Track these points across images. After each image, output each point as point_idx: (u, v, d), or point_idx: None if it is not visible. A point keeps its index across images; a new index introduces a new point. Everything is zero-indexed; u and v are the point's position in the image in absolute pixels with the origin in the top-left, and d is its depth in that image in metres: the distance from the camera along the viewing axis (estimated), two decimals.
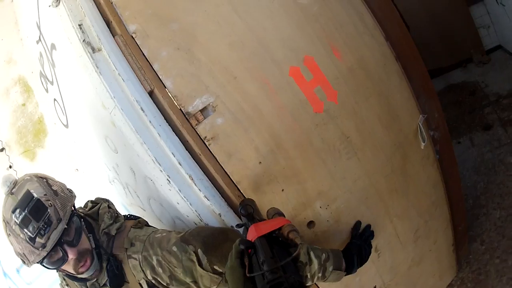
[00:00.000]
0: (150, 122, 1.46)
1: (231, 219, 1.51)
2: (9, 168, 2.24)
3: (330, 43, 1.62)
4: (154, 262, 1.35)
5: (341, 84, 1.62)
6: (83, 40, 1.48)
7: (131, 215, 1.62)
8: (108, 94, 1.47)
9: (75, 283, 1.43)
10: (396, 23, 1.76)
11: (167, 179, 1.47)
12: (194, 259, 1.30)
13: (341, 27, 1.65)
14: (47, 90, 2.27)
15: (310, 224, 1.61)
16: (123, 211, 2.02)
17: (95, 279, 1.39)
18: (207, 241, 1.35)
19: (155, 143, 1.46)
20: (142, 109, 1.45)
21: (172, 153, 1.46)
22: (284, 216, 1.30)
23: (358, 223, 1.68)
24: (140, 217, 1.60)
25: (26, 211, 1.19)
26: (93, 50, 1.48)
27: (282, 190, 1.54)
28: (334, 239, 1.70)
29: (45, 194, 1.26)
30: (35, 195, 1.23)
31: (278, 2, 1.56)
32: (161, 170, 1.46)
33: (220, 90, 1.49)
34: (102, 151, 1.86)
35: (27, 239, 1.18)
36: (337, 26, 1.64)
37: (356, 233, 1.69)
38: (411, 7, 5.32)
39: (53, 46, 1.90)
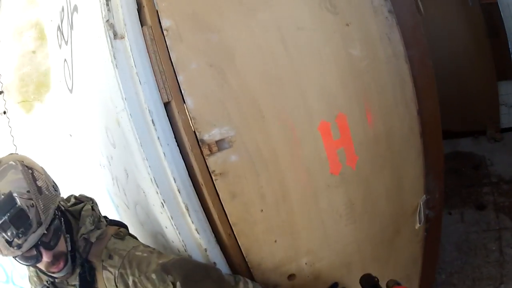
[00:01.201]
0: (158, 138, 1.07)
1: (215, 256, 1.19)
2: (3, 114, 1.78)
3: (366, 104, 1.27)
4: (130, 282, 1.06)
5: (363, 151, 1.28)
6: (107, 20, 1.05)
7: (113, 220, 1.25)
8: (119, 92, 1.06)
9: (45, 276, 1.14)
10: (431, 96, 1.42)
11: (161, 203, 1.11)
12: None
13: (382, 91, 1.29)
14: (60, 46, 1.78)
15: (291, 276, 1.30)
16: (106, 198, 1.66)
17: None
18: (188, 274, 1.06)
19: (158, 162, 1.09)
20: (153, 121, 1.06)
21: (174, 178, 1.10)
22: (401, 284, 1.17)
23: (335, 285, 1.41)
24: (123, 224, 1.25)
25: (6, 217, 0.89)
26: (115, 35, 1.05)
27: (275, 241, 1.21)
28: None
29: (28, 191, 0.94)
30: (18, 201, 0.91)
31: (330, 48, 1.18)
32: (157, 192, 1.10)
33: (243, 125, 1.12)
34: (100, 137, 1.45)
35: (4, 240, 0.92)
36: (378, 89, 1.28)
37: None
38: (440, 63, 5.11)
39: (75, 8, 1.42)
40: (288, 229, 1.23)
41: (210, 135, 1.09)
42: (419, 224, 1.44)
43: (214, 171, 1.11)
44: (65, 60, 1.69)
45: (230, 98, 1.10)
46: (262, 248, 1.22)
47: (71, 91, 1.71)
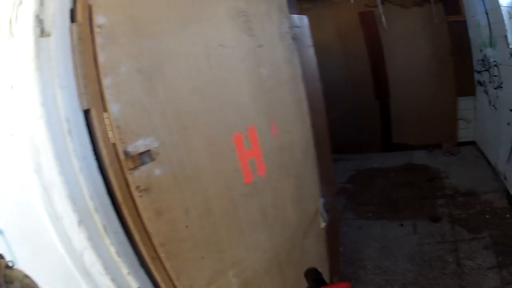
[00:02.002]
0: (75, 150, 1.13)
1: (138, 279, 1.27)
2: None
3: (271, 119, 1.66)
4: None
5: (270, 160, 1.63)
6: (37, 16, 1.03)
7: None
8: (37, 97, 1.05)
9: None
10: (320, 113, 1.97)
11: (78, 222, 1.14)
12: None
13: (284, 106, 1.71)
14: None
15: None
16: None
17: None
18: None
19: (74, 177, 1.12)
20: (69, 131, 1.11)
21: (91, 195, 1.16)
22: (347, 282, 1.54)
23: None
24: None
25: None
26: (42, 32, 1.06)
27: (203, 257, 1.38)
28: None
29: None
30: None
31: (245, 66, 1.50)
32: (73, 210, 1.12)
33: (168, 137, 1.28)
34: None
35: None
36: (281, 105, 1.70)
37: None
38: (401, 77, 5.75)
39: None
40: (213, 243, 1.41)
41: (135, 146, 1.20)
42: (324, 223, 1.93)
43: (139, 186, 1.22)
44: None
45: (156, 108, 1.24)
46: (191, 267, 1.36)
47: None
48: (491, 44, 4.12)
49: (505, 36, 3.50)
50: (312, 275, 1.55)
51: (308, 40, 1.80)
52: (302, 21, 1.89)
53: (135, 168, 1.21)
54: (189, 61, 1.32)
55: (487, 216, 3.74)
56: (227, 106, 1.47)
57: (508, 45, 3.51)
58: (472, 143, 5.57)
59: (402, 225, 3.94)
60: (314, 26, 6.02)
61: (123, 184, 1.21)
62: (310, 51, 1.82)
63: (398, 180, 5.18)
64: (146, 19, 1.20)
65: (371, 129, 6.45)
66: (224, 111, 1.45)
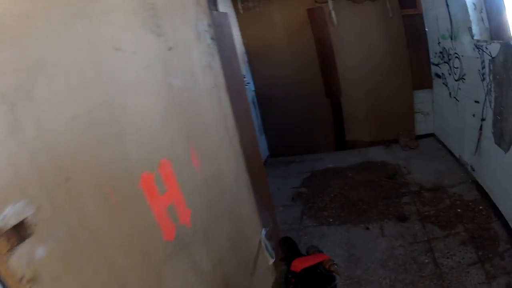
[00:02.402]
0: None
1: None
2: None
3: (191, 146, 1.35)
4: None
5: (195, 201, 1.33)
6: None
7: None
8: None
9: None
10: (250, 127, 1.73)
11: None
12: None
13: (206, 126, 1.42)
14: None
15: None
16: None
17: None
18: None
19: None
20: None
21: None
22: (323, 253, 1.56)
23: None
24: None
25: None
26: None
27: None
28: None
29: None
30: None
31: (150, 75, 1.15)
32: None
33: (45, 196, 0.89)
34: None
35: None
36: (202, 124, 1.39)
37: None
38: (353, 73, 5.80)
39: None
40: None
41: (3, 218, 0.81)
42: (272, 259, 1.67)
43: (22, 278, 0.82)
44: None
45: (24, 152, 0.86)
46: None
47: None
48: (452, 37, 4.38)
49: (470, 28, 3.74)
50: (286, 243, 1.68)
51: (230, 41, 1.55)
52: (223, 18, 1.62)
53: (12, 250, 0.81)
54: (70, 74, 0.94)
55: (459, 210, 3.77)
56: (126, 136, 1.12)
57: (472, 36, 3.74)
58: (431, 135, 5.81)
59: (368, 228, 3.86)
60: (260, 24, 5.89)
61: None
62: (234, 54, 1.56)
63: (356, 179, 5.15)
64: (16, 20, 0.80)
65: (323, 128, 6.49)
66: (122, 144, 1.10)
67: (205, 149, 1.41)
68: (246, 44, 6.21)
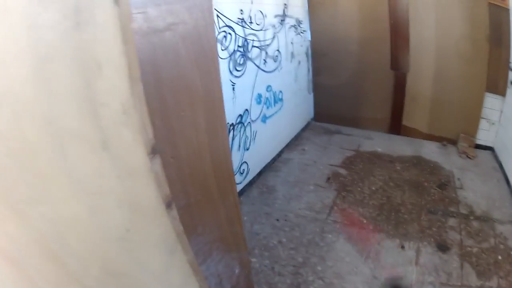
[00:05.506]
0: None
1: None
2: None
3: None
4: None
5: None
6: None
7: None
8: None
9: None
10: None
11: None
12: None
13: None
14: None
15: None
16: None
17: None
18: None
19: None
20: None
21: None
22: None
23: None
24: None
25: None
26: None
27: None
28: None
29: None
30: None
31: None
32: None
33: None
34: None
35: None
36: None
37: None
38: (426, 49, 5.02)
39: None
40: None
41: None
42: None
43: None
44: None
45: None
46: None
47: None
48: None
49: None
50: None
51: None
52: None
53: None
54: None
55: (499, 258, 3.20)
56: None
57: None
58: (490, 148, 5.08)
59: (403, 247, 3.31)
60: None
61: None
62: None
63: (404, 176, 4.53)
64: None
65: (379, 104, 5.73)
66: None
67: None
68: None
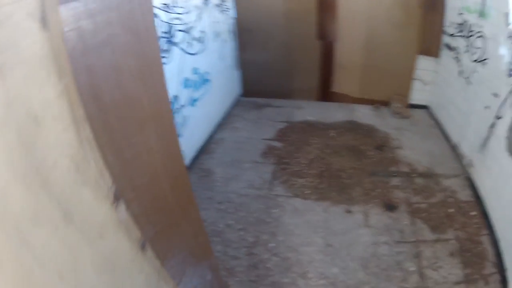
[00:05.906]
0: None
1: None
2: None
3: None
4: None
5: None
6: None
7: None
8: None
9: None
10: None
11: None
12: None
13: None
14: None
15: None
16: None
17: None
18: None
19: None
20: None
21: None
22: None
23: None
24: None
25: None
26: None
27: None
28: None
29: None
30: None
31: None
32: None
33: None
34: None
35: None
36: None
37: None
38: (355, 18, 5.00)
39: None
40: None
41: None
42: None
43: None
44: None
45: None
46: None
47: None
48: (481, 13, 3.74)
49: (506, 13, 3.15)
50: None
51: None
52: None
53: None
54: None
55: (450, 210, 3.35)
56: None
57: (507, 24, 3.15)
58: (424, 107, 5.26)
59: (350, 211, 3.31)
60: None
61: None
62: None
63: (340, 142, 4.54)
64: None
65: (307, 73, 5.70)
66: None
67: None
68: None
